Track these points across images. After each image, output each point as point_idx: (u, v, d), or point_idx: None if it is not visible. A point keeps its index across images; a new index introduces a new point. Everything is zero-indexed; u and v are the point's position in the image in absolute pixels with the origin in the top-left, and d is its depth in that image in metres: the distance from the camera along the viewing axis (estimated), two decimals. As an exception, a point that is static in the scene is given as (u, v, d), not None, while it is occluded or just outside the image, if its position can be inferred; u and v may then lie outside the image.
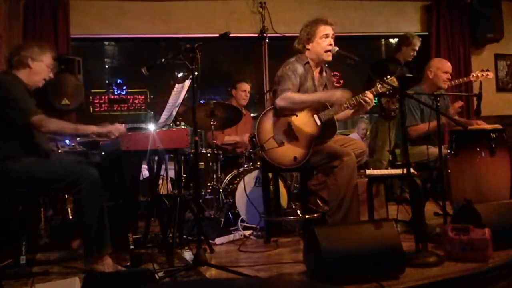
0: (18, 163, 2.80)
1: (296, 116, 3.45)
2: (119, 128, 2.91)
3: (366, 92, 3.35)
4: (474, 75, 4.43)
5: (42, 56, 3.01)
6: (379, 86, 3.32)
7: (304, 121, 3.44)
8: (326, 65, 3.67)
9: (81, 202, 2.80)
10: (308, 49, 3.53)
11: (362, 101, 3.34)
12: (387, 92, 3.33)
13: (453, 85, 4.42)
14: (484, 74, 4.37)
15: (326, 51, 3.46)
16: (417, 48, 5.17)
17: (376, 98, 4.69)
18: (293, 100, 3.39)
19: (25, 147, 2.88)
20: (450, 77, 4.22)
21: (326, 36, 3.46)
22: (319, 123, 3.43)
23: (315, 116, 3.45)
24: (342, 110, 3.42)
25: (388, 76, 3.32)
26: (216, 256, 3.21)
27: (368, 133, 7.14)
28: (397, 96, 3.01)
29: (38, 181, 2.82)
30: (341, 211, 3.28)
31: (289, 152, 3.39)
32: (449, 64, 4.25)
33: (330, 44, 3.45)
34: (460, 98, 6.01)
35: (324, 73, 3.65)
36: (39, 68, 3.01)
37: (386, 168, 4.45)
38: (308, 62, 3.54)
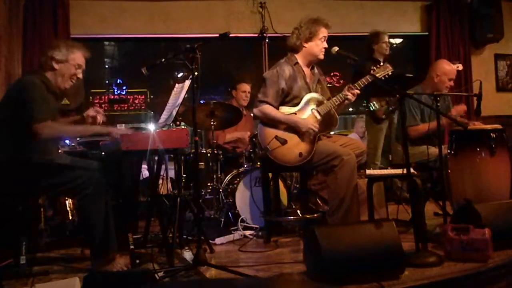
0: (23, 164, 2.78)
1: (295, 114, 3.48)
2: (120, 128, 2.91)
3: (347, 91, 3.44)
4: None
5: (67, 56, 2.91)
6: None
7: (304, 116, 3.48)
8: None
9: (86, 207, 2.78)
10: (305, 47, 3.57)
11: (346, 100, 3.46)
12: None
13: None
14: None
15: (321, 51, 3.57)
16: (387, 40, 5.07)
17: (365, 101, 4.73)
18: (268, 115, 3.47)
19: (34, 148, 2.81)
20: (452, 84, 4.24)
21: (324, 38, 3.56)
22: (319, 117, 3.48)
23: (314, 110, 3.49)
24: (340, 104, 3.48)
25: (378, 65, 3.52)
26: (216, 256, 3.21)
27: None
28: (397, 96, 2.98)
29: (42, 186, 2.81)
30: (341, 211, 3.28)
31: (293, 149, 3.40)
32: (454, 69, 4.23)
33: (325, 47, 3.56)
34: (460, 99, 6.02)
35: (315, 70, 3.71)
36: (63, 69, 2.92)
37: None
38: (297, 63, 3.58)
